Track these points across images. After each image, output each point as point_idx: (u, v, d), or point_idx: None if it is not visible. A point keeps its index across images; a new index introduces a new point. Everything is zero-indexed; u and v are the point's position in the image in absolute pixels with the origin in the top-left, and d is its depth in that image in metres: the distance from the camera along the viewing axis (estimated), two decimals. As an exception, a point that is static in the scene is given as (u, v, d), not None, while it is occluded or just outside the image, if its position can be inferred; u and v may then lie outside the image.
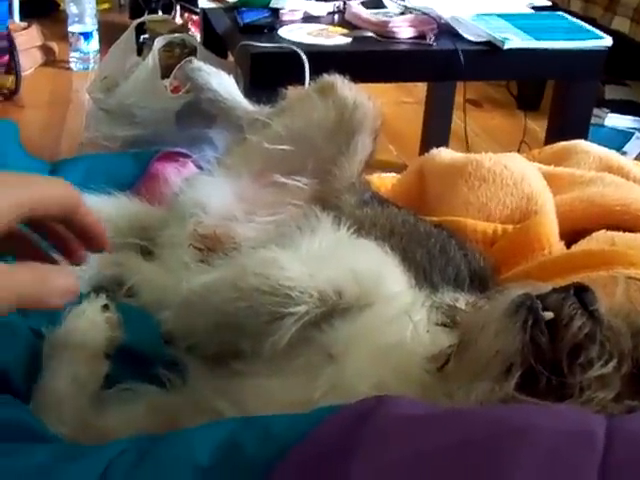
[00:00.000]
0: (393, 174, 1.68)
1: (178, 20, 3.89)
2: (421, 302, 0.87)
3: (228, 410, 0.82)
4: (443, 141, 2.81)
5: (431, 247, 1.07)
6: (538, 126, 3.28)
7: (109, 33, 3.99)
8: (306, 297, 0.81)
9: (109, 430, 0.88)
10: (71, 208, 0.77)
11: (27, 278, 0.71)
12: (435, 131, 3.03)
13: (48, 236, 0.80)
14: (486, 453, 0.57)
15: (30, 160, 1.34)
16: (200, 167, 1.40)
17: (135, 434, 0.80)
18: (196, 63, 1.49)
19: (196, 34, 3.13)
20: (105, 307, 1.01)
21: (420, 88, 3.46)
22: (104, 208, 1.26)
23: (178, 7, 4.07)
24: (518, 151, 2.29)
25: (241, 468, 0.67)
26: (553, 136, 2.35)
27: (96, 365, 0.95)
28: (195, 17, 4.02)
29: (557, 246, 1.24)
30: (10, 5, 4.12)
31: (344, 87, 1.22)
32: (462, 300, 0.88)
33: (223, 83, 1.42)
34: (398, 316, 0.83)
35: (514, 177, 1.34)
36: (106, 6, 5.04)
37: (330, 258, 0.89)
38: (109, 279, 1.20)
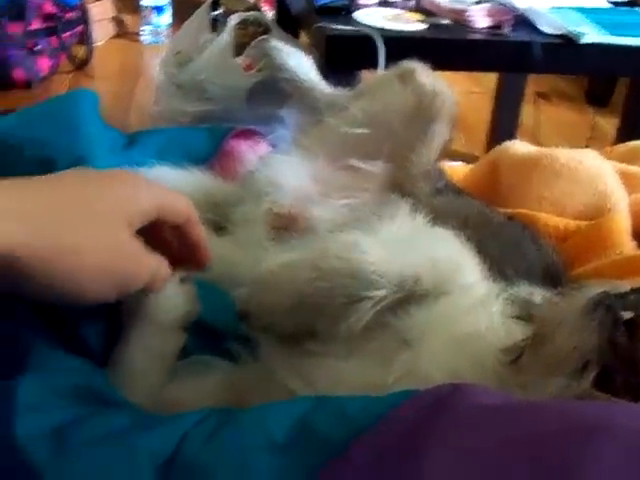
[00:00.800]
0: (459, 163, 1.68)
1: (251, -2, 3.90)
2: (496, 294, 0.87)
3: (301, 389, 0.82)
4: (510, 133, 2.80)
5: (505, 240, 1.07)
6: (607, 122, 3.25)
7: (181, 7, 4.02)
8: (385, 282, 0.82)
9: (180, 402, 0.89)
10: (186, 217, 0.89)
11: (156, 263, 0.86)
12: (503, 122, 3.02)
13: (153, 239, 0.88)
14: (563, 446, 0.57)
15: (109, 130, 1.35)
16: (274, 146, 1.41)
17: (206, 408, 0.81)
18: (274, 42, 1.49)
19: (268, 12, 3.14)
20: (182, 280, 1.02)
21: (489, 78, 3.44)
22: (179, 181, 1.27)
23: (251, -16, 4.09)
24: (586, 147, 2.28)
25: (315, 447, 0.67)
26: (625, 134, 2.32)
27: (173, 338, 0.96)
28: (267, -5, 4.03)
29: (629, 245, 1.23)
30: (85, -23, 4.17)
31: (424, 74, 1.22)
32: (537, 294, 0.88)
33: (301, 63, 1.42)
34: (474, 306, 0.83)
35: (589, 173, 1.33)
36: (178, -19, 5.07)
37: (408, 245, 0.89)
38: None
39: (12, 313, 0.89)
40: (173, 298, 0.98)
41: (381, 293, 0.81)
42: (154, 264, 0.85)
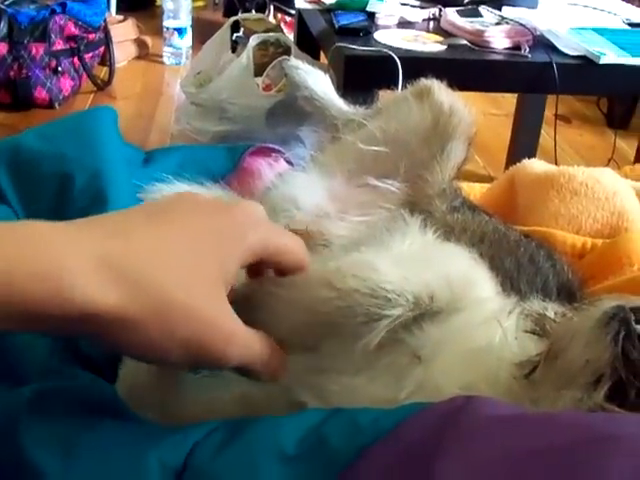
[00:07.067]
0: (477, 184, 1.68)
1: (271, 20, 3.92)
2: (510, 309, 0.86)
3: (314, 405, 0.82)
4: (530, 155, 2.78)
5: (520, 256, 1.07)
6: (627, 145, 3.24)
7: (202, 30, 4.06)
8: (402, 300, 0.81)
9: (193, 416, 0.88)
10: (298, 263, 0.82)
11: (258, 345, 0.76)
12: (522, 144, 3.02)
13: None
14: (575, 458, 0.57)
15: (127, 147, 1.37)
16: (291, 163, 1.41)
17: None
18: (294, 61, 1.50)
19: (288, 34, 3.16)
20: None
21: (508, 100, 3.45)
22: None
23: (272, 7, 4.12)
24: (606, 168, 2.27)
25: (325, 458, 0.67)
26: (645, 155, 2.31)
27: None
28: (288, 17, 4.07)
29: (646, 263, 1.23)
30: (108, -1, 4.22)
31: (441, 92, 1.22)
32: (551, 309, 0.88)
33: (319, 82, 1.43)
34: (487, 321, 0.83)
35: (606, 192, 1.33)
36: (200, 4, 5.13)
37: (422, 262, 0.89)
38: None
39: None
40: None
41: (398, 311, 0.81)
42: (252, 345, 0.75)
